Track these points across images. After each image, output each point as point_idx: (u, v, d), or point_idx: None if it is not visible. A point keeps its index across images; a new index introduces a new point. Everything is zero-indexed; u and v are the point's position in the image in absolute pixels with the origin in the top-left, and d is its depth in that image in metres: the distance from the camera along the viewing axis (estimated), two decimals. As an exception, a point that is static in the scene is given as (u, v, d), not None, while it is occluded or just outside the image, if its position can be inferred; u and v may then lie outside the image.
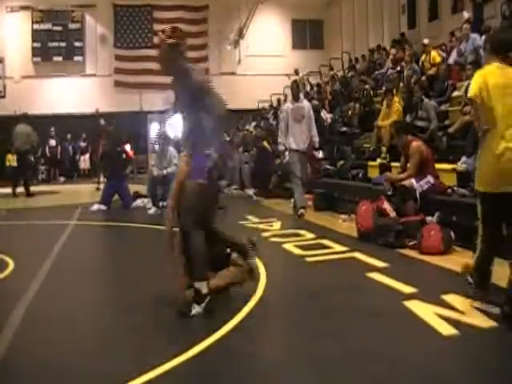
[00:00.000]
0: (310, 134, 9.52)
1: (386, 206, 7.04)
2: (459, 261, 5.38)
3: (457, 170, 7.80)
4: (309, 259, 6.15)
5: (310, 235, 7.61)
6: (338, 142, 13.04)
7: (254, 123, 19.18)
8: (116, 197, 11.91)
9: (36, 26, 25.68)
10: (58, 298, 4.98)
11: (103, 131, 16.70)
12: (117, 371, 3.25)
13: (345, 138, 13.19)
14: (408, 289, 4.70)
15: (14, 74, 25.30)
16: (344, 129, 13.70)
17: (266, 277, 5.34)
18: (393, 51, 15.99)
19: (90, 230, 9.46)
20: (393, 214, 6.95)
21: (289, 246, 6.87)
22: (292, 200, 10.18)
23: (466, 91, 5.79)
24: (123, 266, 6.41)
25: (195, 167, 4.35)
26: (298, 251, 6.59)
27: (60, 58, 25.92)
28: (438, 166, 7.60)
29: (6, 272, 5.89)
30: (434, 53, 13.27)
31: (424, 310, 4.10)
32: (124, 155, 12.75)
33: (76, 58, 26.11)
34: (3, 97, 24.94)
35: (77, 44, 26.10)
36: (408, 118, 10.45)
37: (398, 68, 14.59)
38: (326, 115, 14.59)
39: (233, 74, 26.93)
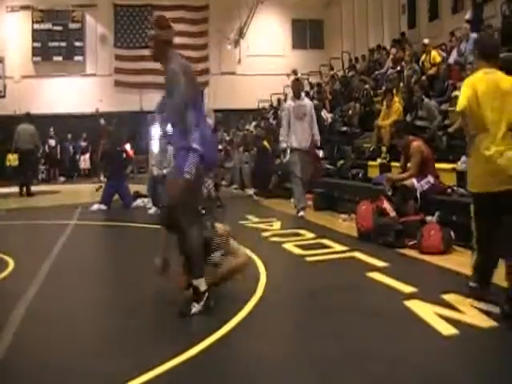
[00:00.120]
0: (311, 133, 9.50)
1: (386, 205, 7.04)
2: (459, 260, 5.38)
3: (457, 170, 7.80)
4: (309, 259, 6.15)
5: (310, 235, 7.61)
6: (338, 141, 13.05)
7: (254, 123, 19.18)
8: (116, 196, 11.91)
9: (36, 26, 25.69)
10: (57, 298, 4.98)
11: (103, 131, 16.70)
12: (117, 371, 3.25)
13: (345, 138, 13.20)
14: (408, 288, 4.70)
15: (14, 73, 25.31)
16: (344, 128, 13.71)
17: (266, 276, 5.34)
18: (393, 51, 15.99)
19: (90, 230, 9.45)
20: (393, 213, 6.95)
21: (289, 246, 6.87)
22: (292, 200, 10.18)
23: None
24: (123, 266, 6.41)
25: (180, 163, 4.29)
26: (298, 251, 6.59)
27: (60, 58, 25.93)
28: (437, 165, 7.60)
29: (7, 272, 5.89)
30: (434, 52, 13.27)
31: (424, 310, 4.10)
32: (124, 155, 12.74)
33: (76, 58, 26.13)
34: (3, 96, 24.95)
35: (77, 44, 26.11)
36: (408, 118, 10.45)
37: (398, 68, 14.60)
38: (326, 115, 14.59)
39: (233, 73, 26.96)
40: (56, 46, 25.85)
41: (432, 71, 12.50)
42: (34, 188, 16.17)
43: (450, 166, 7.97)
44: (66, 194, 16.88)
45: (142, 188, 12.53)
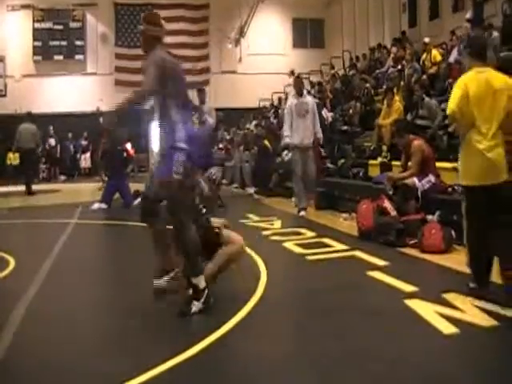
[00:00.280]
0: (314, 130, 9.47)
1: (387, 204, 7.03)
2: (460, 259, 5.37)
3: (457, 169, 7.77)
4: (309, 258, 6.15)
5: (311, 234, 7.61)
6: (339, 140, 13.03)
7: (254, 122, 19.17)
8: (117, 195, 11.91)
9: (37, 25, 25.69)
10: (58, 298, 4.98)
11: (104, 130, 16.69)
12: (116, 371, 3.24)
13: (345, 137, 13.19)
14: (409, 287, 4.70)
15: (15, 72, 25.32)
16: (345, 127, 13.70)
17: (267, 275, 5.34)
18: (394, 50, 15.98)
19: (90, 229, 9.45)
20: (393, 212, 6.94)
21: (289, 245, 6.87)
22: (293, 199, 10.18)
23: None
24: (124, 266, 6.41)
25: (168, 163, 4.25)
26: (298, 250, 6.59)
27: (61, 57, 25.94)
28: (438, 164, 7.59)
29: (7, 271, 5.89)
30: (434, 51, 13.27)
31: (425, 309, 4.10)
32: (125, 154, 12.74)
33: (77, 57, 26.14)
34: (4, 96, 24.95)
35: (78, 43, 26.12)
36: (409, 117, 10.44)
37: (399, 67, 14.59)
38: (326, 114, 14.57)
39: (234, 72, 26.96)
40: (57, 44, 25.86)
41: (433, 70, 12.50)
42: (34, 187, 16.16)
43: (451, 165, 7.94)
44: (67, 193, 16.89)
45: (143, 187, 12.50)
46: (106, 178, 12.68)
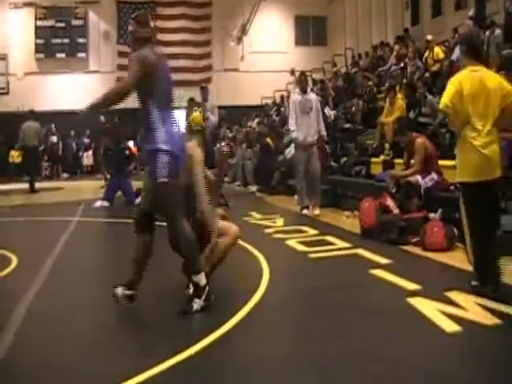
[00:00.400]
0: (318, 128, 9.44)
1: (390, 202, 7.03)
2: (462, 257, 5.36)
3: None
4: (312, 255, 6.15)
5: (313, 231, 7.60)
6: (341, 138, 13.02)
7: (257, 120, 19.17)
8: (119, 193, 11.92)
9: (39, 23, 25.69)
10: (59, 297, 4.97)
11: (105, 128, 16.73)
12: (117, 371, 3.24)
13: (348, 135, 13.17)
14: (411, 285, 4.69)
15: (18, 70, 25.33)
16: (347, 125, 13.69)
17: (269, 273, 5.34)
18: (396, 47, 15.96)
19: (92, 227, 9.46)
20: (396, 210, 6.94)
21: (292, 243, 6.87)
22: (295, 197, 10.17)
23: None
24: (125, 265, 6.35)
25: (152, 167, 4.22)
26: (301, 247, 6.59)
27: (63, 55, 25.95)
28: (440, 162, 7.58)
29: (10, 268, 5.90)
30: (437, 49, 13.25)
31: (427, 307, 4.10)
32: (127, 152, 12.74)
33: (79, 55, 26.14)
34: (7, 93, 24.96)
35: (80, 40, 26.12)
36: (411, 115, 10.43)
37: (402, 64, 14.57)
38: (329, 112, 14.57)
39: (236, 70, 26.95)
40: (59, 42, 25.86)
41: (435, 68, 12.47)
42: (37, 185, 16.17)
43: (453, 163, 7.91)
44: (69, 191, 16.91)
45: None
46: (109, 176, 12.69)
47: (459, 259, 5.46)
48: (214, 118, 11.17)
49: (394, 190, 7.31)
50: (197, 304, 4.20)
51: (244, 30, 25.49)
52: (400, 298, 4.39)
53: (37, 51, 25.64)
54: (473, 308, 4.04)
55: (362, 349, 3.47)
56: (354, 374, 3.13)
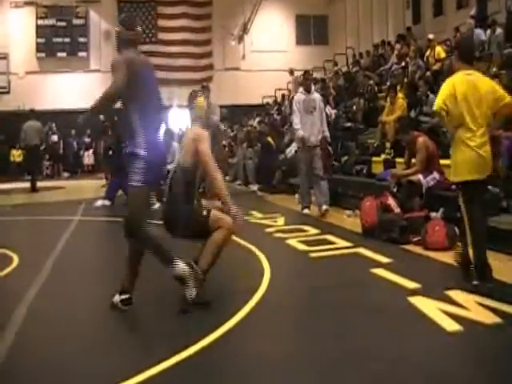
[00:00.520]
0: (321, 128, 9.39)
1: (391, 201, 7.03)
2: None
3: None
4: (313, 255, 6.14)
5: (314, 231, 7.60)
6: (342, 137, 13.02)
7: (258, 119, 19.16)
8: (120, 192, 11.91)
9: (40, 22, 25.73)
10: (60, 297, 4.96)
11: (104, 127, 16.74)
12: (116, 371, 3.23)
13: (349, 134, 13.16)
14: (412, 285, 4.69)
15: (19, 69, 25.34)
16: (348, 124, 13.68)
17: (270, 272, 5.34)
18: (397, 46, 15.95)
19: (93, 226, 9.46)
20: (397, 209, 6.94)
21: (293, 242, 6.86)
22: (296, 196, 10.16)
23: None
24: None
25: (129, 170, 4.22)
26: (301, 247, 6.58)
27: (64, 54, 25.98)
28: (442, 161, 7.57)
29: (11, 268, 5.90)
30: (438, 48, 13.25)
31: (428, 306, 4.09)
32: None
33: (80, 54, 26.17)
34: (8, 92, 24.97)
35: (81, 40, 26.15)
36: (412, 114, 10.42)
37: (403, 63, 14.56)
38: (330, 111, 14.55)
39: (237, 69, 26.96)
40: (60, 41, 25.89)
41: (436, 67, 12.47)
42: (38, 184, 16.18)
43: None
44: (70, 190, 16.92)
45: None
46: (110, 175, 12.69)
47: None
48: (215, 118, 11.16)
49: (395, 189, 7.31)
50: (189, 292, 4.15)
51: (245, 29, 25.51)
52: (401, 297, 4.38)
53: (38, 50, 25.68)
54: (474, 307, 4.04)
55: (363, 348, 3.47)
56: (354, 374, 3.12)
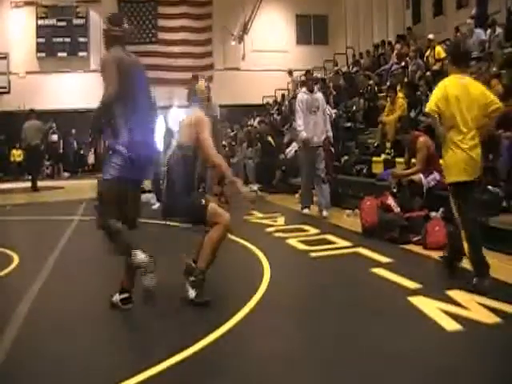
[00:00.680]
0: (325, 128, 9.29)
1: (391, 201, 7.03)
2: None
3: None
4: (313, 254, 6.14)
5: (315, 230, 7.60)
6: (343, 137, 13.01)
7: (258, 118, 19.16)
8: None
9: (40, 22, 25.71)
10: (60, 297, 4.96)
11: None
12: (116, 371, 3.23)
13: (349, 134, 13.17)
14: (412, 284, 4.69)
15: (19, 69, 25.31)
16: (348, 124, 13.68)
17: (270, 272, 5.34)
18: (397, 46, 15.94)
19: (94, 226, 9.37)
20: (397, 209, 6.94)
21: (293, 242, 6.87)
22: (296, 195, 10.15)
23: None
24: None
25: (107, 163, 4.26)
26: (301, 246, 6.59)
27: (64, 54, 25.96)
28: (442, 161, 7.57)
29: (11, 267, 5.90)
30: (438, 48, 13.23)
31: (428, 306, 4.10)
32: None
33: (80, 54, 26.14)
34: (8, 92, 24.95)
35: (81, 39, 26.12)
36: (412, 114, 10.42)
37: (403, 63, 14.55)
38: (330, 111, 14.53)
39: (237, 69, 26.94)
40: (60, 41, 25.87)
41: (436, 67, 12.46)
42: (38, 183, 16.18)
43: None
44: (71, 190, 16.90)
45: (146, 184, 12.50)
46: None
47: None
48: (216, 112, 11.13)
49: (395, 189, 7.31)
50: (147, 278, 4.07)
51: (245, 29, 25.52)
52: (401, 297, 4.38)
53: (38, 50, 25.67)
54: (474, 307, 4.04)
55: (363, 348, 3.47)
56: (354, 374, 3.13)
